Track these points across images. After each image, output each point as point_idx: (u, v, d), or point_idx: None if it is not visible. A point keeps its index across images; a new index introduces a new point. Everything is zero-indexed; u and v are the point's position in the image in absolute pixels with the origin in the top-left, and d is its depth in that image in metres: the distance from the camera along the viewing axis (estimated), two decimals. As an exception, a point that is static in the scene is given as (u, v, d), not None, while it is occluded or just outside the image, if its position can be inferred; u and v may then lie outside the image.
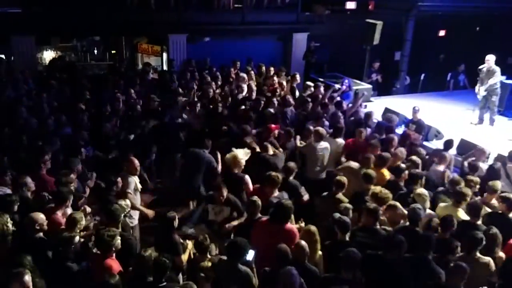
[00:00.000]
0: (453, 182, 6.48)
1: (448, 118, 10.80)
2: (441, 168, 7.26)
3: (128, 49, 14.71)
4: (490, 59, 10.27)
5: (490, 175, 6.97)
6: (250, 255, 4.78)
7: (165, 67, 13.07)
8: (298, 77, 11.28)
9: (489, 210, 6.07)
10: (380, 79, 13.65)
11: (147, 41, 13.91)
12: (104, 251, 4.64)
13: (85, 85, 10.01)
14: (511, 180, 7.28)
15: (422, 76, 14.74)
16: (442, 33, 14.75)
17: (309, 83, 10.99)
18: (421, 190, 6.16)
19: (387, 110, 10.43)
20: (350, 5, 13.57)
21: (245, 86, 10.66)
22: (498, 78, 10.25)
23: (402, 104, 11.30)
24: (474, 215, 5.68)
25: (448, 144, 7.97)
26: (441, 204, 6.20)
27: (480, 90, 10.41)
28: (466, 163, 7.42)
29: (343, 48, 13.83)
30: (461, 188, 6.15)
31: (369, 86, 12.83)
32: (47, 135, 7.45)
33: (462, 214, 5.87)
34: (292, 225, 5.42)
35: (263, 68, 12.07)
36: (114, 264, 4.61)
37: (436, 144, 9.12)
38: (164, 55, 13.24)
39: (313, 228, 5.17)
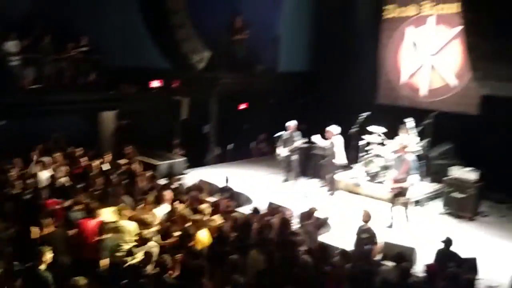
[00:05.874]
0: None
1: (255, 183, 11.66)
2: None
3: None
4: (292, 125, 11.50)
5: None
6: None
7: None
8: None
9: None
10: (183, 153, 13.91)
11: None
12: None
13: None
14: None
15: (231, 146, 15.67)
16: (243, 106, 16.03)
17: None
18: None
19: (202, 182, 10.76)
20: (155, 84, 14.08)
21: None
22: (298, 142, 11.37)
23: (215, 174, 11.86)
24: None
25: None
26: None
27: (283, 151, 11.51)
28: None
29: (154, 124, 14.04)
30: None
31: (183, 158, 13.11)
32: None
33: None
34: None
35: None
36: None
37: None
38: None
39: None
